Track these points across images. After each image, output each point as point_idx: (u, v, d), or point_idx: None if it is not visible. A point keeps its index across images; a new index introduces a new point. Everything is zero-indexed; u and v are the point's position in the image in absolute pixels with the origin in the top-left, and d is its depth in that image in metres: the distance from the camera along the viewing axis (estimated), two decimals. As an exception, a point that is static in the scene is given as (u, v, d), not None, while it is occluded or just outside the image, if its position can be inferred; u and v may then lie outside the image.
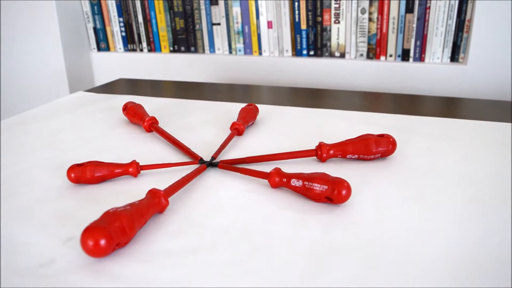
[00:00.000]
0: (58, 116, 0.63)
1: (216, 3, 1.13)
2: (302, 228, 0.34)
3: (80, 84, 1.21)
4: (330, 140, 0.52)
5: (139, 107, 0.58)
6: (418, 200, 0.38)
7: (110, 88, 0.81)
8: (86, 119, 0.62)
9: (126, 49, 1.24)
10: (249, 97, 0.73)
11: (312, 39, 1.10)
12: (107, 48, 1.25)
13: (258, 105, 0.67)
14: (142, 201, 0.34)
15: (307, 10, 1.08)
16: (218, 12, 1.14)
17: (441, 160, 0.46)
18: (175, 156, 0.49)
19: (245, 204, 0.38)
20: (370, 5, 1.03)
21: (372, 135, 0.46)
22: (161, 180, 0.43)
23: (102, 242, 0.29)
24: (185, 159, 0.48)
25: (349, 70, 1.10)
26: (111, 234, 0.30)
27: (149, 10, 1.18)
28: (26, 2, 1.13)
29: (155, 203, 0.35)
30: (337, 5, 1.05)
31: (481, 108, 0.65)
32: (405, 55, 1.05)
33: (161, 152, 0.50)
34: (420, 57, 1.05)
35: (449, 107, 0.67)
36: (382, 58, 1.08)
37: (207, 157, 0.48)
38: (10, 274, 0.30)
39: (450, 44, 1.02)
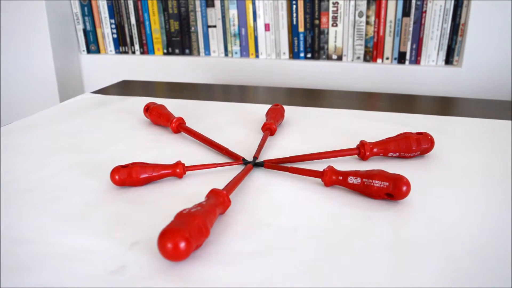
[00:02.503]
0: (71, 118, 0.61)
1: (213, 5, 1.12)
2: (371, 225, 0.34)
3: (70, 87, 1.17)
4: (359, 138, 0.52)
5: (163, 107, 0.57)
6: (471, 195, 0.38)
7: (115, 90, 0.78)
8: (103, 121, 0.59)
9: (118, 52, 1.21)
10: (259, 99, 0.73)
11: (310, 42, 1.11)
12: (98, 51, 1.21)
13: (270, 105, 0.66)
14: (209, 201, 0.33)
15: (305, 12, 1.08)
16: (214, 14, 1.13)
17: (474, 156, 0.47)
18: (211, 157, 0.47)
19: (304, 203, 0.37)
20: (368, 8, 1.05)
21: (412, 133, 0.46)
22: (207, 181, 0.41)
23: (182, 244, 0.28)
24: (223, 159, 0.47)
25: (346, 72, 1.11)
26: (190, 236, 0.29)
27: (142, 11, 1.15)
28: (15, 2, 1.09)
29: (219, 202, 0.34)
30: (334, 8, 1.06)
31: (475, 106, 0.66)
32: (401, 58, 1.07)
33: (194, 152, 0.49)
34: (416, 60, 1.07)
35: (446, 106, 0.69)
36: (379, 60, 1.09)
37: (245, 158, 0.47)
38: (81, 281, 0.28)
39: (445, 47, 1.04)
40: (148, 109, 0.57)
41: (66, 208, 0.36)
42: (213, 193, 0.35)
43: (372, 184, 0.37)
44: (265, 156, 0.48)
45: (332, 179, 0.39)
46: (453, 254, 0.30)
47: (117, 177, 0.39)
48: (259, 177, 0.42)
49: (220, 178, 0.42)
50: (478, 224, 0.34)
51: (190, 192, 0.39)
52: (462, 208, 0.36)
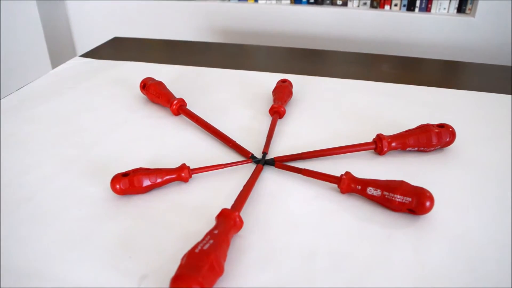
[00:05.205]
0: (62, 94, 0.56)
1: None
2: (392, 248, 0.32)
3: (57, 36, 1.10)
4: (372, 120, 0.49)
5: (162, 86, 0.52)
6: (496, 202, 0.36)
7: (107, 50, 0.73)
8: (97, 97, 0.55)
9: (105, -6, 1.12)
10: (260, 62, 0.68)
11: (313, -14, 1.03)
12: (83, -7, 1.12)
13: (276, 74, 0.62)
14: (220, 228, 0.31)
15: (309, -47, 0.99)
16: (209, -47, 1.03)
17: (499, 148, 0.44)
18: (216, 149, 0.44)
19: (320, 217, 0.35)
20: (378, -51, 0.96)
21: (432, 125, 0.43)
22: (215, 187, 0.38)
23: (196, 291, 0.26)
24: (229, 152, 0.44)
25: (351, 19, 1.04)
26: (204, 280, 0.27)
27: (130, -51, 1.05)
28: None
29: (231, 226, 0.32)
30: (342, -51, 0.97)
31: (489, 74, 0.62)
32: (410, 5, 1.00)
33: (198, 143, 0.45)
34: (426, 7, 1.00)
35: (457, 72, 0.65)
36: (387, 7, 1.02)
37: (252, 148, 0.43)
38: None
39: (459, -6, 0.97)
40: (145, 86, 0.53)
41: (65, 226, 0.34)
42: (224, 216, 0.32)
43: (393, 198, 0.34)
44: (274, 146, 0.45)
45: (350, 187, 0.37)
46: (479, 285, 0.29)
47: (118, 186, 0.36)
48: (270, 179, 0.40)
49: (229, 182, 0.39)
50: (505, 243, 0.32)
51: (197, 202, 0.37)
52: (488, 221, 0.34)
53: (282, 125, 0.49)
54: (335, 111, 0.51)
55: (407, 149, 0.43)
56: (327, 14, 1.05)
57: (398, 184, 0.35)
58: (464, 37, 1.00)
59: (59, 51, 1.12)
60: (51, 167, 0.41)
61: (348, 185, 0.37)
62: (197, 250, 0.28)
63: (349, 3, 1.04)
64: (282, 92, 0.52)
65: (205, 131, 0.47)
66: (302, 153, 0.42)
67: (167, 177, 0.38)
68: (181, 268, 0.27)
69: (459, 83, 0.61)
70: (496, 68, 0.65)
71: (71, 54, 1.19)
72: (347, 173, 0.37)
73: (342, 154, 0.43)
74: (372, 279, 0.29)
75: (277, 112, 0.49)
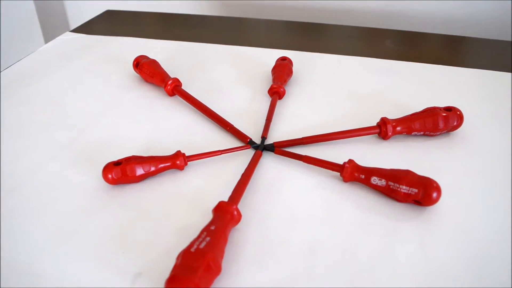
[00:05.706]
0: (52, 73, 0.53)
1: None
2: (396, 242, 0.31)
3: (49, 6, 1.06)
4: (375, 101, 0.47)
5: (156, 65, 0.50)
6: (505, 190, 0.35)
7: (99, 25, 0.69)
8: (89, 76, 0.53)
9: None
10: (258, 36, 0.65)
11: (315, -46, 0.98)
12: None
13: (275, 50, 0.59)
14: (217, 224, 0.29)
15: None
16: None
17: (505, 132, 0.42)
18: (213, 132, 0.42)
19: (322, 208, 0.33)
20: None
21: (440, 108, 0.41)
22: (211, 173, 0.37)
23: (192, 292, 0.25)
24: (226, 136, 0.42)
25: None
26: (200, 281, 0.25)
27: None
28: None
29: (228, 220, 0.30)
30: None
31: (496, 51, 0.60)
32: (416, -25, 0.96)
33: (194, 125, 0.43)
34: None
35: (462, 48, 0.62)
36: (391, -23, 0.98)
37: (250, 132, 0.42)
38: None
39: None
40: (139, 65, 0.50)
41: (55, 218, 0.32)
42: (221, 209, 0.31)
43: (399, 189, 0.33)
44: (274, 129, 0.43)
45: (354, 176, 0.35)
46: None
47: (110, 176, 0.34)
48: (269, 166, 0.38)
49: (226, 169, 0.37)
50: (514, 239, 0.31)
51: (193, 192, 0.35)
52: (497, 211, 0.33)
53: (282, 107, 0.46)
54: (337, 92, 0.49)
55: (413, 133, 0.41)
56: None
57: (404, 174, 0.33)
58: (467, 9, 0.96)
59: (51, 22, 1.08)
60: (40, 154, 0.39)
61: (351, 173, 0.35)
62: (192, 249, 0.26)
63: (352, -28, 0.99)
64: (282, 71, 0.49)
65: (201, 113, 0.45)
66: (303, 138, 0.40)
67: (161, 165, 0.36)
68: (176, 268, 0.26)
69: (466, 60, 0.58)
70: (501, 44, 0.63)
71: (64, 25, 1.15)
72: (351, 161, 0.35)
73: (345, 139, 0.41)
74: (376, 275, 0.28)
75: (276, 93, 0.46)
